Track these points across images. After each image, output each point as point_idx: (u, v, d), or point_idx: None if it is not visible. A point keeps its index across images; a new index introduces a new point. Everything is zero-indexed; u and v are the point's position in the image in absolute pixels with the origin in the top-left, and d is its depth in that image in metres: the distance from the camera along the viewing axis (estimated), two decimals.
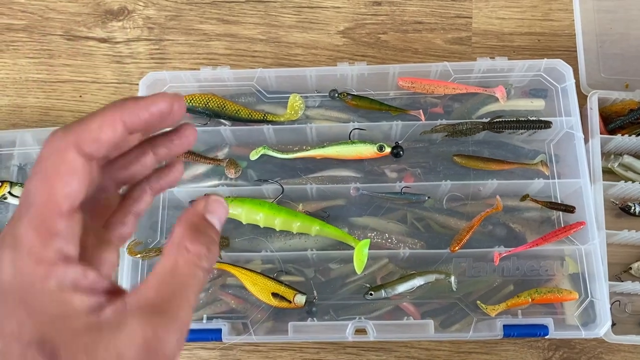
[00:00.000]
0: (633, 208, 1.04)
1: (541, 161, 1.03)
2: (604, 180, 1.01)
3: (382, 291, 0.93)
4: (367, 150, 1.02)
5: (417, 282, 0.94)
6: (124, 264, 0.96)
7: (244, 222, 0.98)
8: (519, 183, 1.01)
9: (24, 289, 0.35)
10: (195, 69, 1.15)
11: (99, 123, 0.38)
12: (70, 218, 0.37)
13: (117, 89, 1.22)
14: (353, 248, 0.95)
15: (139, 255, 0.96)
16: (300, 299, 0.93)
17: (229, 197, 0.99)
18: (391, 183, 1.02)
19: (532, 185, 1.01)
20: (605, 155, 1.07)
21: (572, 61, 1.08)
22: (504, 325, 0.91)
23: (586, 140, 1.03)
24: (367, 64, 1.06)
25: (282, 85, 1.09)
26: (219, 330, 0.92)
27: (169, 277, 0.39)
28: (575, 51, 1.17)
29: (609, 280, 0.96)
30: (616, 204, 1.06)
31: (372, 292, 0.93)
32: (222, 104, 1.06)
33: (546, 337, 0.91)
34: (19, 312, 0.35)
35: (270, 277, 0.95)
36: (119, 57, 1.24)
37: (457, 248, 0.95)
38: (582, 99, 1.08)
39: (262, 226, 0.98)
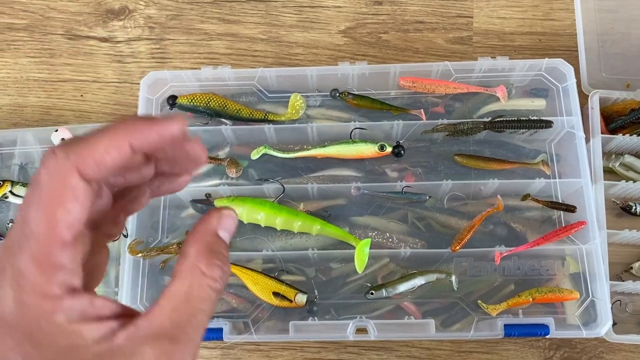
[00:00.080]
0: (634, 208, 1.04)
1: (542, 161, 1.03)
2: (605, 179, 1.01)
3: (383, 290, 0.93)
4: (368, 150, 1.02)
5: (418, 281, 0.94)
6: (125, 263, 0.96)
7: (245, 222, 0.98)
8: (520, 183, 1.01)
9: (30, 324, 0.34)
10: (196, 68, 1.15)
11: (105, 145, 0.35)
12: (74, 247, 0.35)
13: (118, 89, 1.22)
14: (354, 247, 0.95)
15: (140, 255, 0.96)
16: (301, 298, 0.93)
17: (230, 196, 0.99)
18: (392, 182, 1.02)
19: (533, 185, 1.01)
20: (607, 154, 1.07)
21: (573, 61, 1.08)
22: (504, 325, 0.91)
23: (587, 140, 1.02)
24: (368, 64, 1.06)
25: (283, 84, 1.09)
26: (220, 330, 0.92)
27: (183, 303, 0.37)
28: (577, 51, 1.17)
29: (610, 279, 0.96)
30: (617, 204, 1.06)
31: (373, 292, 0.93)
32: (223, 103, 1.06)
33: (547, 336, 0.91)
34: (24, 346, 0.34)
35: (272, 277, 0.95)
36: (120, 57, 1.24)
37: (458, 247, 0.95)
38: (583, 98, 1.08)
39: (263, 225, 0.98)
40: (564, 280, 0.97)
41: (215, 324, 0.93)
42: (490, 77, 1.07)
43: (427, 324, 0.91)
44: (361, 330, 0.92)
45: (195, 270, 0.38)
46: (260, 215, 0.96)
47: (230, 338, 0.92)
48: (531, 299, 0.93)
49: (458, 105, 1.08)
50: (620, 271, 1.04)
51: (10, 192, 1.06)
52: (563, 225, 0.99)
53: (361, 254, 0.94)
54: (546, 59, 1.05)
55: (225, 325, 0.92)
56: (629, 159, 1.06)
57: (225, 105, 1.06)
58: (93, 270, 0.40)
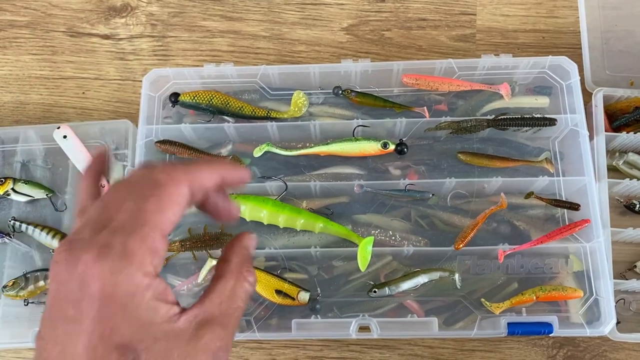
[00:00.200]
0: (638, 206, 1.03)
1: (546, 159, 1.02)
2: (608, 177, 1.00)
3: (386, 289, 0.93)
4: (371, 148, 1.02)
5: (421, 279, 0.94)
6: None
7: (247, 219, 0.98)
8: (523, 180, 1.01)
9: (128, 295, 0.40)
10: (198, 65, 1.15)
11: (209, 173, 0.47)
12: (166, 241, 0.43)
13: (121, 86, 1.22)
14: (357, 245, 0.94)
15: None
16: (303, 296, 0.93)
17: (233, 193, 0.99)
18: (395, 180, 1.01)
19: (536, 183, 1.01)
20: (610, 152, 1.07)
21: (577, 58, 1.08)
22: (508, 323, 0.91)
23: (591, 138, 1.02)
24: (371, 61, 1.06)
25: (286, 82, 1.09)
26: None
27: (228, 298, 0.46)
28: (580, 48, 1.16)
29: (614, 278, 0.96)
30: (621, 202, 1.05)
31: (376, 290, 0.93)
32: (225, 100, 1.06)
33: (550, 335, 0.91)
34: (116, 317, 0.39)
35: (274, 274, 0.95)
36: (122, 54, 1.24)
37: (461, 245, 0.95)
38: (587, 96, 1.07)
39: (265, 223, 0.98)
40: (567, 279, 0.96)
41: None
42: (493, 75, 1.07)
43: (430, 322, 0.91)
44: (364, 329, 0.92)
45: (238, 274, 0.47)
46: (262, 213, 0.96)
47: None
48: (535, 297, 0.93)
49: (461, 103, 1.08)
50: (624, 269, 1.03)
51: (12, 189, 1.06)
52: (567, 223, 0.99)
53: (364, 252, 0.93)
54: (550, 56, 1.04)
55: None
56: (632, 156, 1.05)
57: (228, 103, 1.06)
58: None
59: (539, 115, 1.02)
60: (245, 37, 1.24)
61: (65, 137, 1.06)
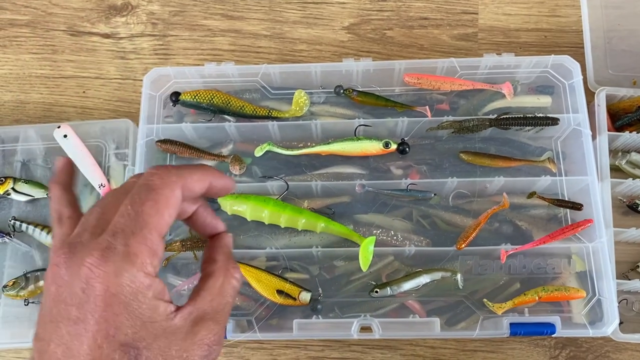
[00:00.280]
0: None
1: (548, 158, 1.02)
2: (611, 177, 1.00)
3: (388, 289, 0.93)
4: (372, 147, 1.02)
5: (423, 279, 0.93)
6: None
7: (248, 219, 0.97)
8: (525, 180, 1.00)
9: (132, 295, 0.41)
10: (199, 64, 1.14)
11: (199, 177, 0.48)
12: (163, 242, 0.45)
13: (121, 85, 1.21)
14: (358, 245, 0.94)
15: None
16: (305, 297, 0.93)
17: (234, 193, 0.98)
18: (397, 180, 1.01)
19: (539, 183, 1.00)
20: (613, 152, 1.06)
21: (579, 57, 1.07)
22: (510, 324, 0.90)
23: (593, 137, 1.02)
24: (373, 60, 1.05)
25: (287, 81, 1.08)
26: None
27: (219, 294, 0.48)
28: (583, 47, 1.16)
29: (617, 278, 0.95)
30: (624, 202, 1.05)
31: (378, 290, 0.93)
32: (226, 100, 1.05)
33: (553, 335, 0.90)
34: (121, 316, 0.41)
35: (275, 274, 0.95)
36: (122, 53, 1.24)
37: (463, 245, 0.94)
38: (590, 95, 1.07)
39: (267, 223, 0.97)
40: (570, 279, 0.96)
41: None
42: (495, 74, 1.06)
43: (432, 322, 0.91)
44: (365, 329, 0.92)
45: (225, 271, 0.50)
46: (264, 212, 0.96)
47: (233, 336, 0.92)
48: (537, 298, 0.92)
49: (463, 102, 1.07)
50: (626, 270, 1.03)
51: (13, 189, 1.05)
52: (569, 223, 0.99)
53: (365, 252, 0.93)
54: (552, 55, 1.04)
55: (228, 323, 0.91)
56: (635, 156, 1.05)
57: (229, 102, 1.05)
58: None
59: (541, 115, 1.02)
60: (246, 36, 1.24)
61: (65, 136, 1.05)
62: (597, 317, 0.93)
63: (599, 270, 0.93)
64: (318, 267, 0.98)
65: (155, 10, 1.26)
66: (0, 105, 1.21)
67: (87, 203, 1.04)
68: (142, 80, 1.05)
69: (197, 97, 1.05)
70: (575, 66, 1.02)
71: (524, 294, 0.93)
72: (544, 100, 1.06)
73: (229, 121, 1.06)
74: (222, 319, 0.48)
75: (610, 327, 0.90)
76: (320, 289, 0.96)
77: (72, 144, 1.05)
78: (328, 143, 1.03)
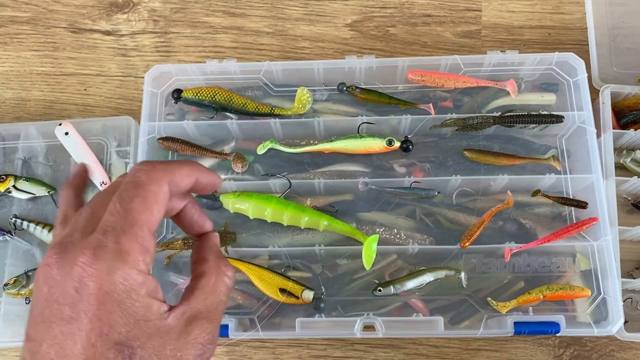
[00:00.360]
0: None
1: (553, 156, 1.01)
2: (616, 175, 0.99)
3: (391, 287, 0.92)
4: (375, 145, 1.01)
5: (427, 278, 0.93)
6: None
7: (251, 217, 0.97)
8: (530, 178, 1.00)
9: (125, 293, 0.41)
10: (201, 62, 1.13)
11: (186, 172, 0.48)
12: (155, 238, 0.44)
13: (122, 82, 1.21)
14: (361, 244, 0.93)
15: None
16: (307, 295, 0.92)
17: (236, 191, 0.98)
18: (400, 178, 1.00)
19: (543, 181, 1.00)
20: (618, 150, 1.05)
21: (584, 55, 1.07)
22: (515, 323, 0.89)
23: (598, 135, 1.01)
24: (376, 57, 1.05)
25: (290, 78, 1.08)
26: (226, 326, 0.90)
27: (211, 293, 0.48)
28: (587, 45, 1.15)
29: (622, 277, 0.95)
30: (628, 200, 1.04)
31: (381, 288, 0.92)
32: (228, 97, 1.05)
33: (557, 334, 0.90)
34: (114, 315, 0.41)
35: (278, 273, 0.94)
36: (124, 50, 1.23)
37: (467, 244, 0.94)
38: (594, 93, 1.06)
39: (269, 221, 0.97)
40: (574, 278, 0.95)
41: None
42: (499, 71, 1.06)
43: (435, 321, 0.90)
44: (368, 328, 0.91)
45: (217, 270, 0.49)
46: (266, 210, 0.95)
47: (236, 335, 0.91)
48: (542, 296, 0.91)
49: (467, 100, 1.07)
50: (631, 268, 1.02)
51: (14, 186, 1.05)
52: (574, 221, 0.98)
53: (369, 250, 0.92)
54: (557, 52, 1.03)
55: (231, 322, 0.91)
56: None
57: (231, 99, 1.05)
58: None
59: (545, 112, 1.01)
60: (248, 33, 1.23)
61: (66, 133, 1.05)
62: (601, 316, 0.92)
63: (603, 268, 0.93)
64: (321, 266, 0.98)
65: (156, 7, 1.25)
66: (1, 102, 1.20)
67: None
68: (143, 77, 1.05)
69: (199, 95, 1.04)
70: (579, 63, 1.02)
71: (529, 293, 0.92)
72: (548, 98, 1.06)
73: (231, 119, 1.06)
74: (216, 317, 0.47)
75: (615, 326, 0.89)
76: (323, 287, 0.95)
77: (73, 142, 1.05)
78: (331, 141, 1.02)
